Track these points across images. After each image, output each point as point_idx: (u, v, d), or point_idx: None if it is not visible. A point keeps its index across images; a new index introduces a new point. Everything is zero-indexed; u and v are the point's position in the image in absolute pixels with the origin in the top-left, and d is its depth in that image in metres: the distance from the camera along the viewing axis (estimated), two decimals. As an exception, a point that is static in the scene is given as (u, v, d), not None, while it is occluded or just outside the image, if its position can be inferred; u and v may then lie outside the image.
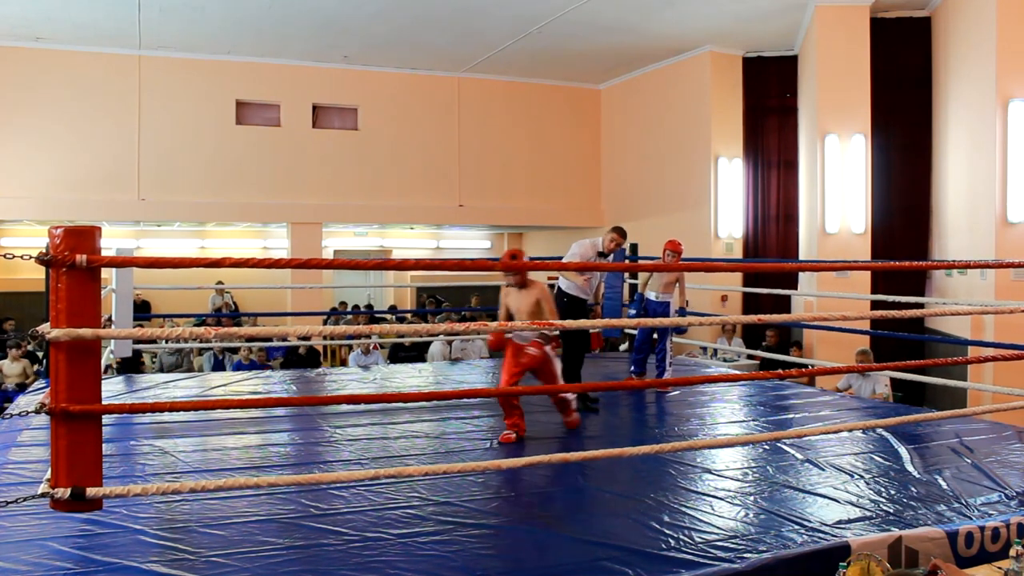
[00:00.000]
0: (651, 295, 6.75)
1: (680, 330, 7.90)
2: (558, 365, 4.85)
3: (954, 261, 8.59)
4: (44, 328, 2.75)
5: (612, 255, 5.91)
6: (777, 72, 11.44)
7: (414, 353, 10.60)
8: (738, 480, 3.91)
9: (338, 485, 3.66)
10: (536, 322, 3.67)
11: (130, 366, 8.34)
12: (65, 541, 2.99)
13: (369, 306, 14.27)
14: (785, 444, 4.52)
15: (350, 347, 9.85)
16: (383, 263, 3.28)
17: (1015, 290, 7.55)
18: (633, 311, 6.92)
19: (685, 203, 12.13)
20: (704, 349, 10.41)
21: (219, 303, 13.33)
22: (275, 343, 9.85)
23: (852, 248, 9.53)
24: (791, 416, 5.56)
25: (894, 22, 9.93)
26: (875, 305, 8.98)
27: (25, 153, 11.17)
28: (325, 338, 9.54)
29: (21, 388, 8.81)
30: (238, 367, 9.49)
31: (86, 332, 2.70)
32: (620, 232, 5.93)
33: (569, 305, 5.79)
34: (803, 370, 6.24)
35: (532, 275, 4.77)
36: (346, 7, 9.98)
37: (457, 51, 12.08)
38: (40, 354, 9.61)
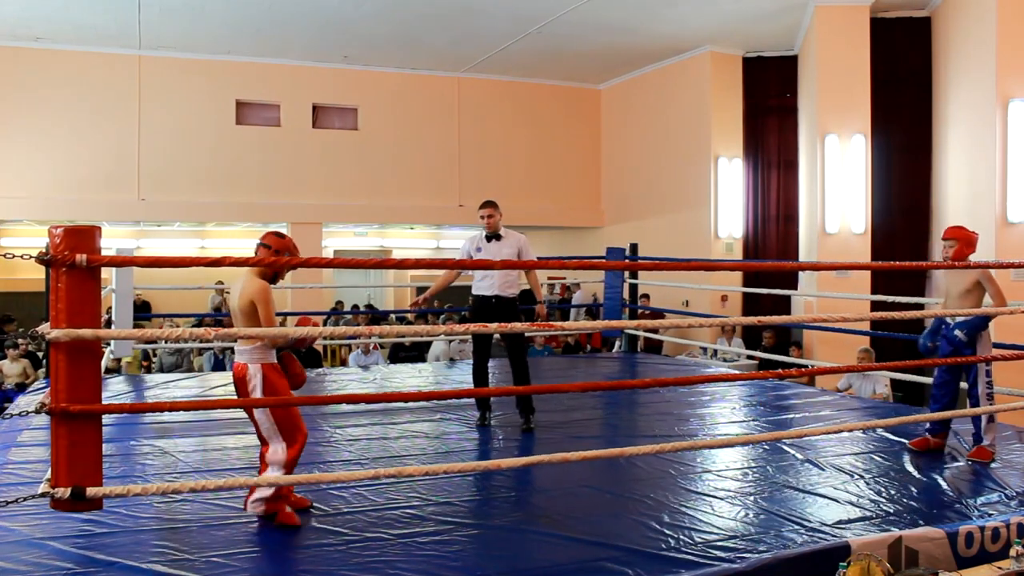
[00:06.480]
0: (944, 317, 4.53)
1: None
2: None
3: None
4: (44, 328, 2.75)
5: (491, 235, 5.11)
6: (777, 72, 11.44)
7: (414, 353, 10.59)
8: (738, 480, 3.91)
9: (338, 485, 3.67)
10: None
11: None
12: (65, 541, 2.99)
13: (369, 306, 14.26)
14: (785, 444, 4.52)
15: (350, 347, 9.84)
16: (383, 263, 3.29)
17: (1015, 290, 7.54)
18: (927, 342, 4.54)
19: (685, 203, 12.12)
20: (704, 349, 10.42)
21: (219, 303, 13.32)
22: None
23: (852, 248, 9.53)
24: (791, 416, 5.56)
25: (894, 22, 9.93)
26: (875, 305, 8.97)
27: (25, 153, 11.17)
28: (325, 337, 9.51)
29: (21, 388, 8.79)
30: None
31: (86, 332, 2.70)
32: (485, 204, 5.15)
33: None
34: (803, 370, 6.23)
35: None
36: (346, 7, 9.98)
37: (457, 51, 12.07)
38: (40, 355, 9.59)
